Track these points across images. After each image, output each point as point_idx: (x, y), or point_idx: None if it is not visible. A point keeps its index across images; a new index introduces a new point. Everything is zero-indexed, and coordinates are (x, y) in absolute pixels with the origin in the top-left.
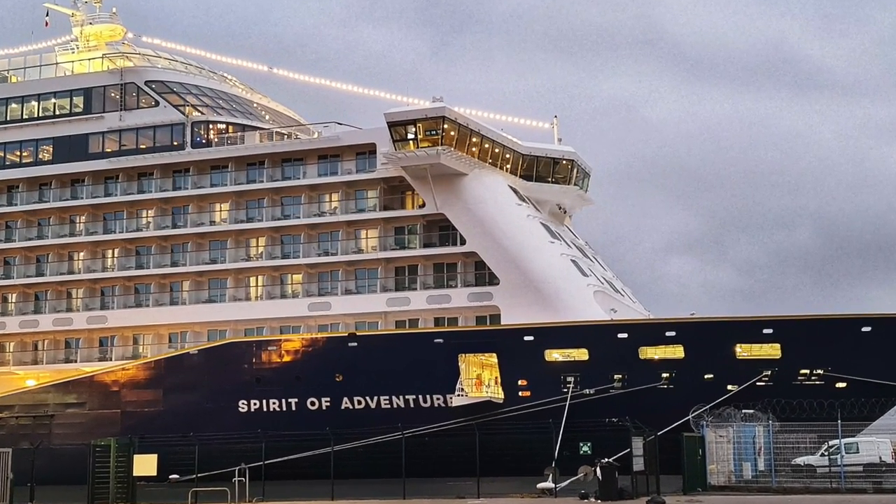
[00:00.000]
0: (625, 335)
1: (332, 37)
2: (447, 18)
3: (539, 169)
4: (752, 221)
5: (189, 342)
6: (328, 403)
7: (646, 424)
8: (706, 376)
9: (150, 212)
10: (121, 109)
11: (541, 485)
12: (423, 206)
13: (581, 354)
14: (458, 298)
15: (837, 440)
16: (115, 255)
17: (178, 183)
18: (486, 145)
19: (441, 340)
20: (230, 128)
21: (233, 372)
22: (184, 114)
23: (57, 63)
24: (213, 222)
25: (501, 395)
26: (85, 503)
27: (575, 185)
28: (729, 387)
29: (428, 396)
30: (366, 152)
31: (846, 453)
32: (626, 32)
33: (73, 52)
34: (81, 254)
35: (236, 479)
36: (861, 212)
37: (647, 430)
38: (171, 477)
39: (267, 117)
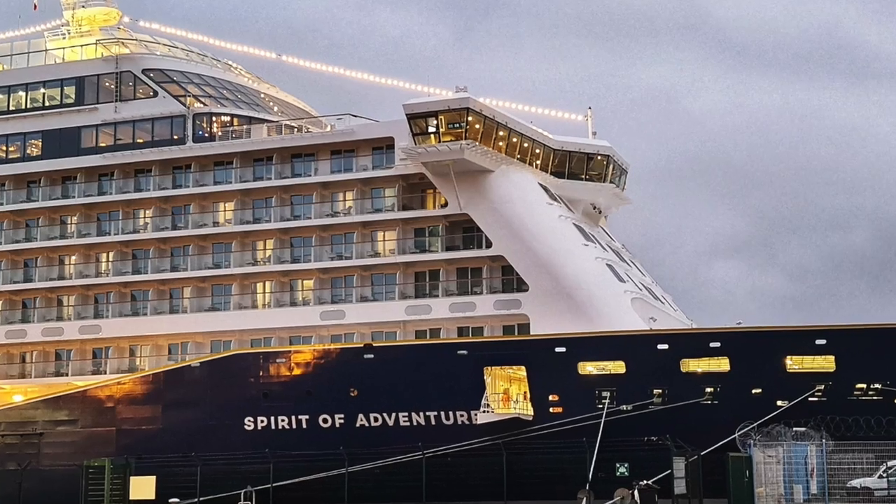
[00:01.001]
0: (665, 346)
1: (346, 21)
2: (472, 1)
3: (572, 165)
4: (804, 222)
5: (190, 354)
6: (342, 420)
7: (688, 443)
8: (754, 391)
9: (147, 212)
10: (116, 100)
11: None
12: (445, 205)
13: (617, 367)
14: (483, 306)
15: None
16: (110, 259)
17: (178, 180)
18: (515, 139)
19: (465, 352)
20: (235, 120)
21: (238, 386)
22: (185, 105)
23: (46, 50)
24: (216, 223)
25: (531, 412)
26: None
27: (611, 182)
28: (778, 402)
29: (451, 413)
30: (383, 147)
31: None
32: (667, 16)
33: (65, 38)
34: (73, 257)
35: (242, 502)
36: None
37: (689, 449)
38: (170, 501)
39: (275, 109)
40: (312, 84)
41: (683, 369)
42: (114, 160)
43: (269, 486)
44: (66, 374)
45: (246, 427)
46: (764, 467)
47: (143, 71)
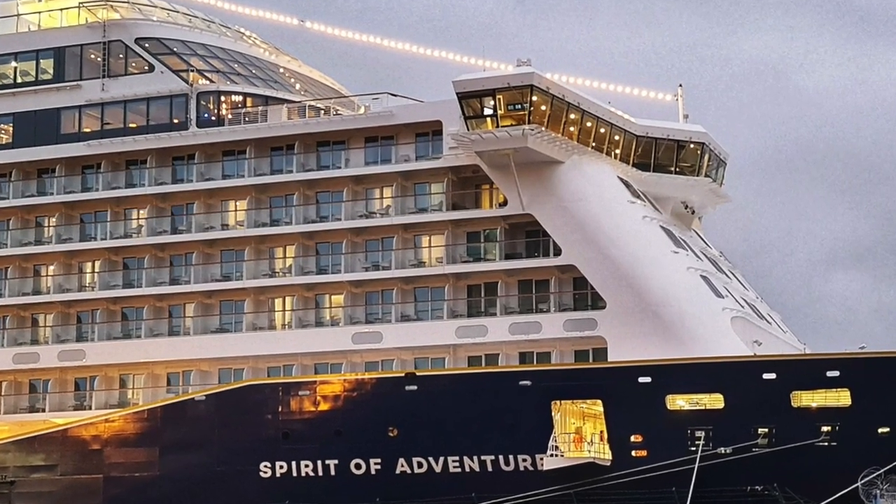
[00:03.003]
0: (772, 376)
1: None
2: None
3: (659, 155)
4: None
5: (194, 385)
6: (378, 466)
7: (799, 494)
8: (881, 430)
9: (141, 211)
10: (103, 76)
11: None
12: (504, 204)
13: (714, 401)
14: (550, 327)
15: None
16: (96, 270)
17: (179, 173)
18: (589, 123)
19: (528, 383)
20: (248, 100)
21: (252, 424)
22: (187, 82)
23: (18, 14)
24: (225, 226)
25: (608, 456)
26: None
27: (706, 176)
28: None
29: (510, 457)
30: (428, 133)
31: None
32: None
33: (41, 1)
34: (51, 267)
35: None
36: None
37: (801, 500)
38: None
39: (297, 86)
40: (342, 56)
41: (794, 404)
42: (100, 149)
43: None
44: (43, 410)
45: (262, 474)
46: None
47: (137, 40)
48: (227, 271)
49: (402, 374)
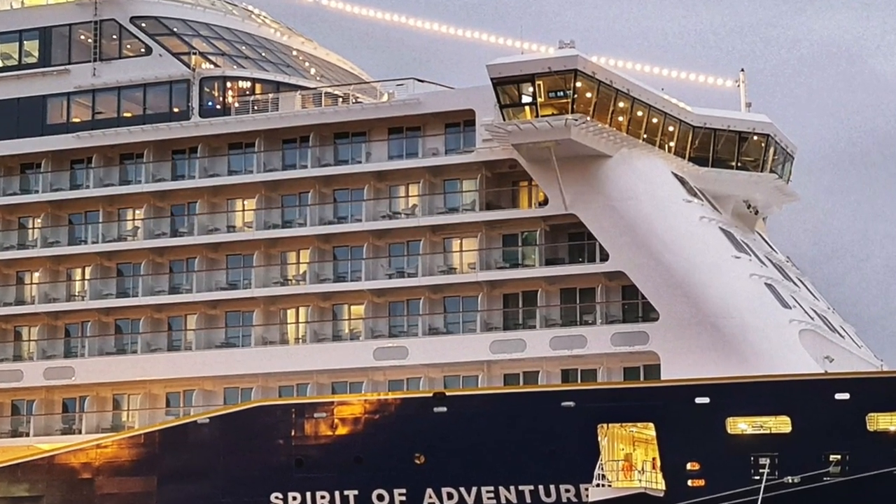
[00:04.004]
0: (846, 396)
1: None
2: None
3: (718, 148)
4: None
5: (196, 406)
6: (403, 497)
7: None
8: None
9: (137, 212)
10: (95, 60)
11: None
12: (544, 203)
13: (781, 424)
14: (596, 341)
15: None
16: (86, 277)
17: (179, 169)
18: (640, 113)
19: (572, 404)
20: (258, 86)
21: (262, 450)
22: (189, 66)
23: None
24: (231, 227)
25: (662, 486)
26: None
27: (771, 171)
28: None
29: (552, 487)
30: (459, 123)
31: None
32: None
33: None
34: (35, 274)
35: None
36: None
37: None
38: None
39: (312, 71)
40: (363, 38)
41: (871, 427)
42: (91, 141)
43: None
44: (27, 435)
45: None
46: None
47: (132, 19)
48: (234, 279)
49: (430, 395)
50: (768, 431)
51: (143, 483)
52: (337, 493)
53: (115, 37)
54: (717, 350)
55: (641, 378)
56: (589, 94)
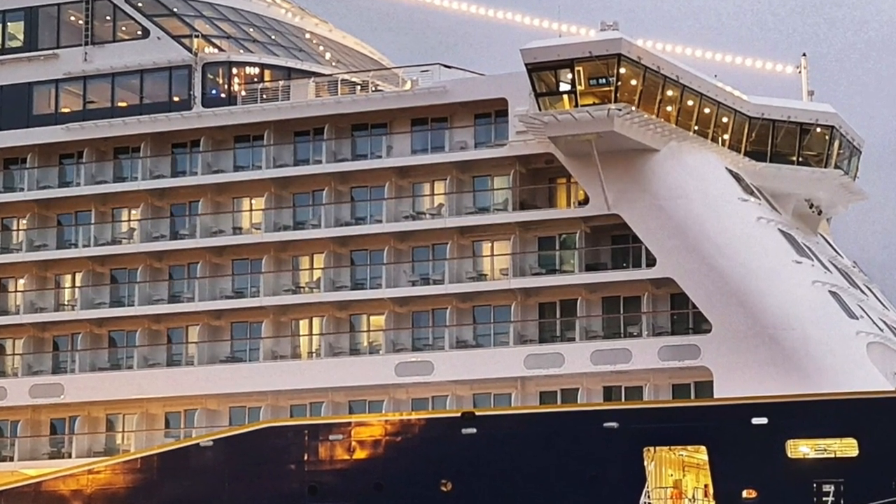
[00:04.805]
0: None
1: None
2: None
3: (777, 141)
4: None
5: (199, 427)
6: None
7: None
8: None
9: (133, 212)
10: (86, 43)
11: None
12: (584, 202)
13: (847, 447)
14: (642, 355)
15: None
16: (77, 284)
17: (180, 164)
18: (690, 102)
19: (615, 424)
20: (267, 73)
21: (271, 476)
22: (190, 50)
23: None
24: (238, 229)
25: None
26: None
27: (836, 168)
28: None
29: None
30: (490, 114)
31: None
32: None
33: None
34: (20, 281)
35: None
36: None
37: None
38: None
39: (327, 56)
40: (383, 19)
41: None
42: (83, 134)
43: None
44: (11, 459)
45: None
46: None
47: None
48: (240, 286)
49: (458, 415)
50: (833, 455)
51: None
52: None
53: (108, 18)
54: (775, 365)
55: (692, 396)
56: (634, 82)
